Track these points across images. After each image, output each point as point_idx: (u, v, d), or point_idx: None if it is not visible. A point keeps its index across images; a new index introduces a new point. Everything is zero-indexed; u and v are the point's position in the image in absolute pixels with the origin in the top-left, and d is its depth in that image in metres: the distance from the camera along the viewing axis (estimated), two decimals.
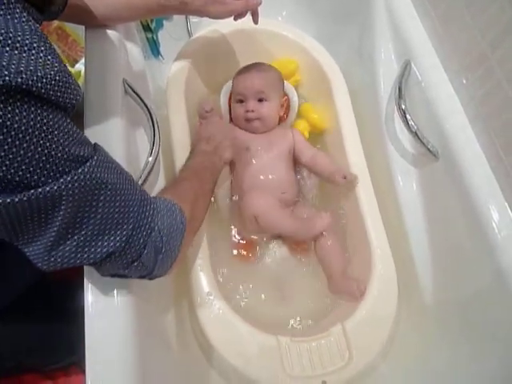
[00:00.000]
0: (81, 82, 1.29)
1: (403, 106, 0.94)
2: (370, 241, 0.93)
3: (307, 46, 1.17)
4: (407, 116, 0.93)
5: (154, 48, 1.22)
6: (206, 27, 1.15)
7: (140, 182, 0.78)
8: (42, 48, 0.43)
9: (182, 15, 1.26)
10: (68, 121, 0.47)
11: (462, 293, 0.87)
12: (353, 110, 1.09)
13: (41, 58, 0.42)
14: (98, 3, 0.84)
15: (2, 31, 0.40)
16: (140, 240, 0.55)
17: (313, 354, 0.81)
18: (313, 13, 1.34)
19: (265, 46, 1.19)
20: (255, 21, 0.98)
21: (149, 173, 0.80)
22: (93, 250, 0.52)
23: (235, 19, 0.96)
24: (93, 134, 0.76)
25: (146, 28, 1.17)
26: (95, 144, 0.54)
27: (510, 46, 0.77)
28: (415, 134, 0.92)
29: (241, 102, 1.06)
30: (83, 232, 0.51)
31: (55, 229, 0.48)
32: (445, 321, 0.89)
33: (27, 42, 0.41)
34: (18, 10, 0.43)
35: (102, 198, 0.51)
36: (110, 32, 0.89)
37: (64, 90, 0.45)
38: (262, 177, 1.02)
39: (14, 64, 0.39)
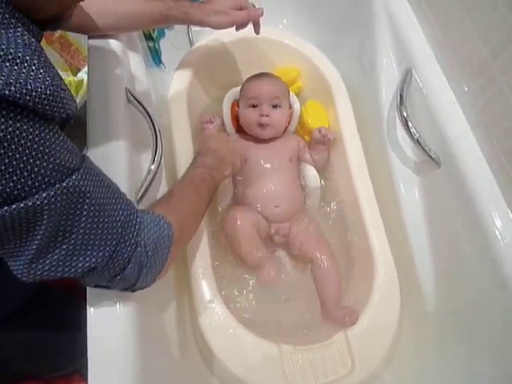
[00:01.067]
0: (83, 90, 1.30)
1: (405, 114, 0.94)
2: (371, 248, 0.93)
3: (308, 53, 1.18)
4: (409, 123, 0.93)
5: (155, 57, 1.23)
6: (208, 36, 1.16)
7: (142, 190, 0.78)
8: (35, 61, 0.43)
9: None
10: (56, 132, 0.46)
11: (465, 300, 0.86)
12: (354, 117, 1.09)
13: (32, 71, 0.42)
14: (101, 13, 0.85)
15: None
16: (124, 255, 0.55)
17: (315, 362, 0.81)
18: (313, 21, 1.34)
19: (266, 55, 1.20)
20: (257, 31, 0.99)
21: (151, 181, 0.80)
22: (74, 264, 0.51)
23: (237, 29, 0.97)
24: (95, 142, 0.76)
25: (148, 37, 1.17)
26: (83, 155, 0.53)
27: (511, 53, 0.77)
28: (417, 142, 0.92)
29: (253, 106, 1.05)
30: (65, 246, 0.50)
31: (36, 242, 0.47)
32: (447, 328, 0.89)
33: (19, 55, 0.42)
34: (12, 25, 0.44)
35: (85, 212, 0.50)
36: (112, 41, 0.89)
37: (54, 104, 0.44)
38: (257, 190, 1.01)
39: (3, 76, 0.39)
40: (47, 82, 0.43)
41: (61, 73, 1.28)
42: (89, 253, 0.51)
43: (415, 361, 0.89)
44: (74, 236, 0.50)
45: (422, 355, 0.89)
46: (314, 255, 0.96)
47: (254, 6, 0.99)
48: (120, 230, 0.54)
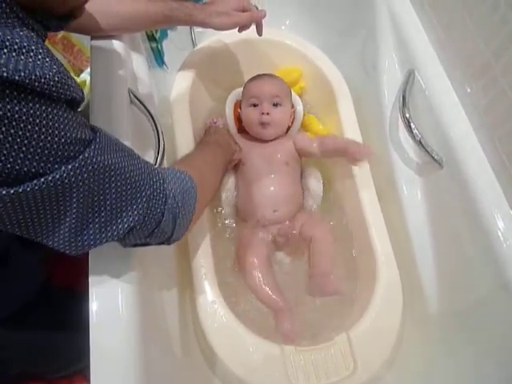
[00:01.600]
0: (86, 91, 1.30)
1: (407, 115, 0.94)
2: (374, 249, 0.93)
3: (310, 54, 1.18)
4: (411, 125, 0.93)
5: (158, 57, 1.23)
6: (210, 37, 1.16)
7: None
8: (40, 51, 0.44)
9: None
10: (65, 110, 0.48)
11: (467, 301, 0.86)
12: (357, 118, 1.09)
13: (39, 60, 0.43)
14: (104, 13, 0.85)
15: (0, 35, 0.41)
16: (157, 209, 0.58)
17: (317, 363, 0.81)
18: (316, 22, 1.34)
19: (268, 56, 1.20)
20: (259, 32, 0.99)
21: None
22: (114, 227, 0.54)
23: (239, 31, 0.97)
24: None
25: (151, 38, 1.18)
26: (95, 127, 0.55)
27: None
28: (419, 143, 0.92)
29: (254, 106, 1.05)
30: (103, 213, 0.52)
31: (74, 216, 0.50)
32: (450, 330, 0.89)
33: (25, 44, 0.43)
34: (13, 21, 0.45)
35: (112, 178, 0.52)
36: (115, 42, 0.89)
37: (62, 89, 0.46)
38: (255, 194, 1.01)
39: (11, 63, 0.40)
40: (54, 70, 0.44)
41: None
42: (124, 214, 0.54)
43: (417, 363, 0.89)
44: (108, 202, 0.52)
45: (424, 357, 0.89)
46: (314, 232, 0.97)
47: (256, 8, 0.99)
48: (148, 187, 0.57)
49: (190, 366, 0.83)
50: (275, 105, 1.04)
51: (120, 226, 0.54)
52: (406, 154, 1.02)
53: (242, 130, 1.13)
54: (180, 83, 1.08)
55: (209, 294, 0.83)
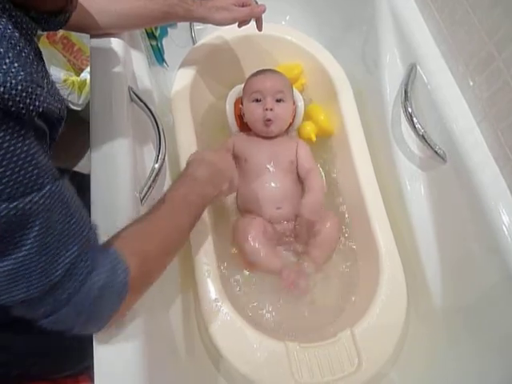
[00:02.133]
0: (86, 90, 1.30)
1: (409, 109, 0.94)
2: (378, 245, 0.93)
3: (311, 50, 1.18)
4: (414, 119, 0.93)
5: (158, 55, 1.23)
6: (210, 34, 1.15)
7: (146, 189, 0.78)
8: (10, 54, 0.41)
9: (186, 22, 1.27)
10: (26, 143, 0.43)
11: (472, 297, 0.86)
12: (359, 113, 1.09)
13: (5, 64, 0.40)
14: (103, 11, 0.84)
15: None
16: (62, 295, 0.48)
17: (322, 360, 0.80)
18: (317, 17, 1.34)
19: (269, 52, 1.19)
20: (259, 28, 0.99)
21: (154, 180, 0.80)
22: (10, 290, 0.46)
23: (239, 26, 0.97)
24: (99, 141, 0.76)
25: (151, 35, 1.17)
26: (57, 177, 0.48)
27: None
28: (422, 137, 0.91)
29: (257, 101, 1.04)
30: (5, 268, 0.44)
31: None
32: (454, 325, 0.88)
33: None
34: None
35: (29, 240, 0.44)
36: (114, 40, 0.89)
37: (27, 100, 0.41)
38: (258, 191, 1.00)
39: None
40: (20, 77, 0.41)
41: (64, 72, 1.29)
42: (25, 283, 0.45)
43: (422, 359, 0.88)
44: (12, 260, 0.44)
45: (429, 353, 0.89)
46: (323, 217, 0.97)
47: (256, 3, 0.99)
48: (67, 266, 0.48)
49: (194, 363, 0.83)
50: (278, 100, 1.03)
51: (14, 293, 0.46)
52: (409, 148, 1.02)
53: (243, 127, 1.13)
54: (180, 81, 1.08)
55: (212, 292, 0.83)
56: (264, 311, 0.92)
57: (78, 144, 1.37)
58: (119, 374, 0.59)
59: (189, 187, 0.72)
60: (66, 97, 1.28)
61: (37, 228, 0.44)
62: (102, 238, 0.57)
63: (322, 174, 1.06)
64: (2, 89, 0.39)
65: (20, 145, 0.42)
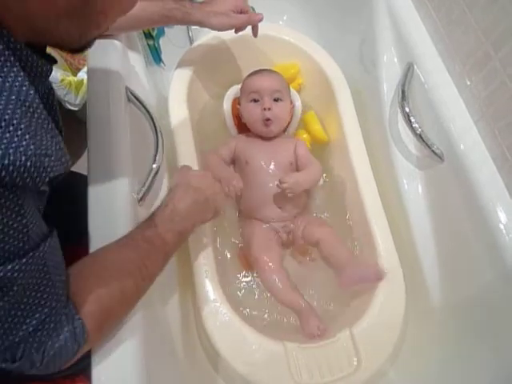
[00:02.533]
0: (83, 90, 1.30)
1: (407, 109, 0.94)
2: (376, 244, 0.93)
3: (309, 49, 1.17)
4: (411, 118, 0.93)
5: (155, 55, 1.22)
6: (207, 34, 1.15)
7: (144, 190, 0.78)
8: (22, 126, 0.40)
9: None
10: (18, 210, 0.43)
11: (471, 295, 0.86)
12: (356, 113, 1.09)
13: (17, 136, 0.40)
14: None
15: None
16: (18, 354, 0.48)
17: (321, 360, 0.80)
18: (314, 17, 1.34)
19: (266, 51, 1.19)
20: (255, 34, 1.00)
21: (152, 180, 0.80)
22: None
23: (236, 32, 0.98)
24: (96, 142, 0.76)
25: (148, 35, 1.17)
26: (41, 240, 0.48)
27: None
28: (419, 137, 0.91)
29: (255, 101, 1.04)
30: None
31: None
32: (453, 324, 0.88)
33: (6, 117, 0.39)
34: (12, 74, 0.41)
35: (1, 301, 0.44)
36: (111, 40, 0.89)
37: (35, 174, 0.42)
38: (259, 192, 1.00)
39: None
40: (30, 152, 0.41)
41: (61, 72, 1.29)
42: None
43: (422, 357, 0.88)
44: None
45: (428, 352, 0.89)
46: (319, 235, 0.96)
47: (253, 10, 1.00)
48: (30, 330, 0.48)
49: (192, 364, 0.82)
50: (276, 100, 1.03)
51: None
52: (406, 147, 1.02)
53: (241, 128, 1.13)
54: (177, 80, 1.07)
55: (210, 293, 0.83)
56: (263, 311, 0.92)
57: (74, 144, 1.36)
58: (117, 374, 0.59)
59: (168, 224, 0.67)
60: (62, 97, 1.28)
61: (11, 293, 0.44)
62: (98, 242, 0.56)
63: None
64: (11, 167, 0.39)
65: (15, 215, 0.42)
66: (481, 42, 0.83)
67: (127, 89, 0.86)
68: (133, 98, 0.87)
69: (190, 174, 0.79)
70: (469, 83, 0.89)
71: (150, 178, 0.79)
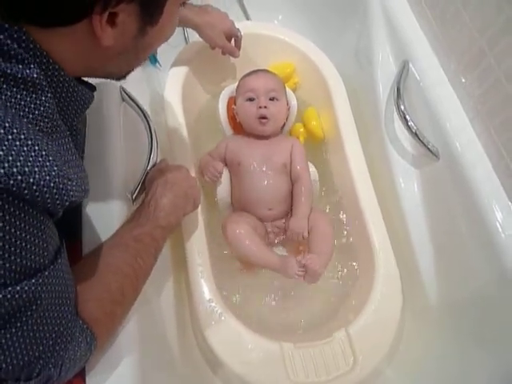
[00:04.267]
0: None
1: (402, 107, 0.94)
2: (372, 243, 0.92)
3: (304, 48, 1.17)
4: (407, 117, 0.93)
5: (150, 55, 1.22)
6: None
7: (137, 191, 0.77)
8: (44, 151, 0.42)
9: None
10: (38, 227, 0.44)
11: (467, 293, 0.86)
12: (352, 111, 1.08)
13: (41, 156, 0.41)
14: None
15: (7, 125, 0.39)
16: (36, 371, 0.47)
17: (317, 359, 0.80)
18: (309, 16, 1.34)
19: (261, 51, 1.19)
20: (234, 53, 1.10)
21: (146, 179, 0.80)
22: None
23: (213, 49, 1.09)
24: (90, 142, 0.76)
25: None
26: (55, 257, 0.48)
27: (507, 43, 0.76)
28: (415, 135, 0.91)
29: (251, 100, 1.03)
30: None
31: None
32: (450, 322, 0.88)
33: (29, 142, 0.41)
34: (43, 98, 0.45)
35: (19, 323, 0.43)
36: None
37: (57, 196, 0.43)
38: (251, 193, 1.00)
39: (8, 162, 0.38)
40: (53, 173, 0.42)
41: None
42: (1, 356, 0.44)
43: (418, 356, 0.88)
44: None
45: (424, 350, 0.89)
46: (312, 223, 0.96)
47: (239, 32, 1.08)
48: (47, 349, 0.47)
49: (188, 364, 0.82)
50: (271, 99, 1.03)
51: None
52: (402, 146, 1.02)
53: (236, 128, 1.12)
54: (173, 80, 1.07)
55: (206, 293, 0.82)
56: (259, 311, 0.92)
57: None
58: (112, 375, 0.59)
59: (154, 221, 0.68)
60: None
61: (35, 308, 0.44)
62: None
63: (316, 173, 1.05)
64: (35, 187, 0.40)
65: (36, 231, 0.43)
66: (475, 39, 0.83)
67: (122, 89, 0.86)
68: (127, 99, 0.86)
69: (165, 169, 0.79)
70: (464, 81, 0.88)
71: (144, 178, 0.79)
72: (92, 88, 0.58)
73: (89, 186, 0.51)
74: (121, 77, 0.59)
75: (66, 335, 0.49)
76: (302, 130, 1.16)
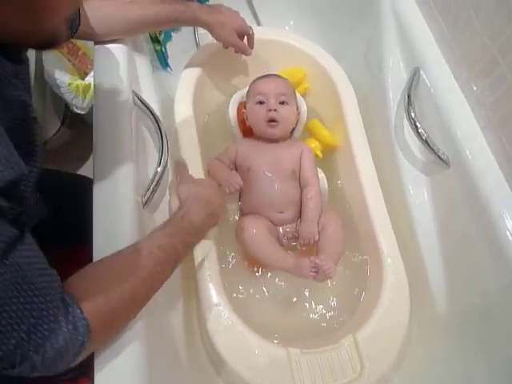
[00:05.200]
0: (91, 94, 1.31)
1: (412, 114, 0.93)
2: (380, 250, 0.92)
3: (314, 54, 1.18)
4: (417, 124, 0.92)
5: (162, 60, 1.23)
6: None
7: (148, 193, 0.78)
8: None
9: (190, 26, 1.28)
10: None
11: (476, 302, 0.85)
12: (362, 117, 1.08)
13: None
14: (111, 19, 0.86)
15: None
16: (16, 359, 0.48)
17: (324, 366, 0.80)
18: (320, 22, 1.34)
19: (272, 56, 1.19)
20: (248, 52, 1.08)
21: (157, 183, 0.80)
22: None
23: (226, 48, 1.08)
24: (101, 145, 0.76)
25: (155, 40, 1.18)
26: (11, 243, 0.47)
27: None
28: (425, 142, 0.91)
29: (261, 103, 1.04)
30: None
31: None
32: (458, 330, 0.88)
33: None
34: None
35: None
36: (118, 45, 0.90)
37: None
38: (261, 197, 1.00)
39: None
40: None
41: (69, 77, 1.30)
42: None
43: (426, 364, 0.88)
44: None
45: (432, 358, 0.88)
46: (323, 221, 0.96)
47: (252, 33, 1.07)
48: (23, 335, 0.47)
49: (195, 368, 0.82)
50: (281, 103, 1.03)
51: None
52: (412, 153, 1.02)
53: (245, 132, 1.13)
54: (183, 85, 1.08)
55: (214, 297, 0.82)
56: (266, 316, 0.92)
57: (81, 147, 1.38)
58: (119, 378, 0.59)
59: (183, 235, 0.71)
60: (70, 101, 1.29)
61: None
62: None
63: (325, 180, 1.05)
64: None
65: None
66: (487, 47, 0.83)
67: (134, 93, 0.87)
68: (139, 102, 0.87)
69: (198, 185, 0.83)
70: (475, 89, 0.88)
71: (155, 182, 0.80)
72: (17, 60, 0.53)
73: (20, 160, 0.48)
74: (36, 44, 0.53)
75: (41, 324, 0.49)
76: (314, 145, 1.14)
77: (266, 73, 1.10)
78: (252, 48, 1.09)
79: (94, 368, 0.59)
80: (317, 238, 0.95)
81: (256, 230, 0.93)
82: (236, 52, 1.09)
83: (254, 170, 1.01)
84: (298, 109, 1.10)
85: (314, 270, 0.85)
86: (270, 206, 0.99)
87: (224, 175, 0.98)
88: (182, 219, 0.73)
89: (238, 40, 1.05)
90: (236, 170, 1.04)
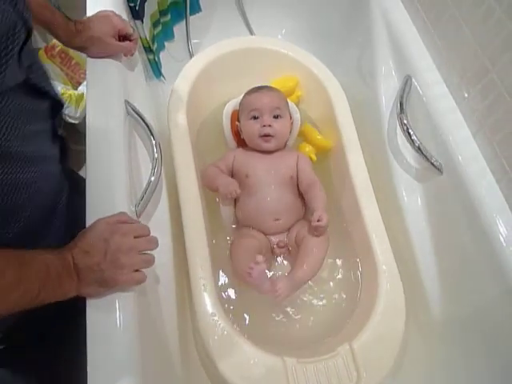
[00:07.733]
0: (84, 104, 1.31)
1: (405, 121, 0.94)
2: (375, 258, 0.92)
3: (307, 63, 1.18)
4: (410, 131, 0.93)
5: (155, 69, 1.23)
6: (207, 48, 1.16)
7: (142, 203, 0.78)
8: None
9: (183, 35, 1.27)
10: None
11: (471, 308, 0.85)
12: (355, 125, 1.09)
13: None
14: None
15: None
16: None
17: (320, 375, 0.79)
18: (312, 30, 1.35)
19: (265, 65, 1.20)
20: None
21: (151, 192, 0.80)
22: None
23: (125, 55, 0.95)
24: (94, 155, 0.76)
25: (148, 50, 1.18)
26: None
27: (510, 58, 0.77)
28: (418, 149, 0.91)
29: (255, 118, 1.04)
30: None
31: None
32: (454, 337, 0.88)
33: None
34: None
35: None
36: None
37: None
38: (258, 204, 1.00)
39: None
40: None
41: (62, 86, 1.30)
42: None
43: (422, 371, 0.88)
44: None
45: (429, 365, 0.88)
46: (307, 235, 0.95)
47: (133, 30, 0.96)
48: None
49: (190, 378, 0.81)
50: (276, 117, 1.03)
51: None
52: (405, 160, 1.02)
53: (240, 142, 1.13)
54: (177, 94, 1.08)
55: (208, 306, 0.82)
56: (262, 325, 0.91)
57: (74, 157, 1.37)
58: None
59: (63, 269, 0.58)
60: (63, 110, 1.29)
61: None
62: None
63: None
64: None
65: None
66: (478, 54, 0.84)
67: (126, 102, 0.87)
68: (132, 112, 0.87)
69: (116, 231, 0.64)
70: (466, 95, 0.89)
71: (149, 191, 0.79)
72: None
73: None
74: None
75: None
76: (308, 149, 1.14)
77: (259, 82, 1.11)
78: (136, 45, 0.97)
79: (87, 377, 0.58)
80: (325, 222, 0.92)
81: (244, 256, 0.92)
82: (125, 56, 0.96)
83: (252, 176, 1.02)
84: (291, 117, 1.10)
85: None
86: (267, 213, 0.99)
87: (223, 181, 0.98)
88: (75, 264, 0.59)
89: (118, 47, 0.91)
90: (233, 177, 1.04)
